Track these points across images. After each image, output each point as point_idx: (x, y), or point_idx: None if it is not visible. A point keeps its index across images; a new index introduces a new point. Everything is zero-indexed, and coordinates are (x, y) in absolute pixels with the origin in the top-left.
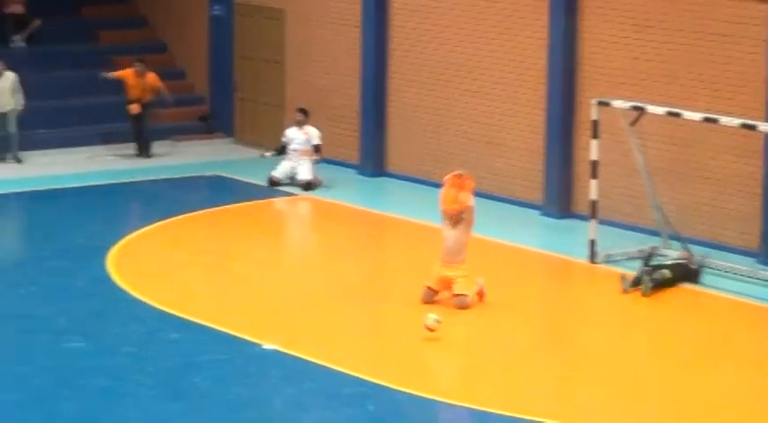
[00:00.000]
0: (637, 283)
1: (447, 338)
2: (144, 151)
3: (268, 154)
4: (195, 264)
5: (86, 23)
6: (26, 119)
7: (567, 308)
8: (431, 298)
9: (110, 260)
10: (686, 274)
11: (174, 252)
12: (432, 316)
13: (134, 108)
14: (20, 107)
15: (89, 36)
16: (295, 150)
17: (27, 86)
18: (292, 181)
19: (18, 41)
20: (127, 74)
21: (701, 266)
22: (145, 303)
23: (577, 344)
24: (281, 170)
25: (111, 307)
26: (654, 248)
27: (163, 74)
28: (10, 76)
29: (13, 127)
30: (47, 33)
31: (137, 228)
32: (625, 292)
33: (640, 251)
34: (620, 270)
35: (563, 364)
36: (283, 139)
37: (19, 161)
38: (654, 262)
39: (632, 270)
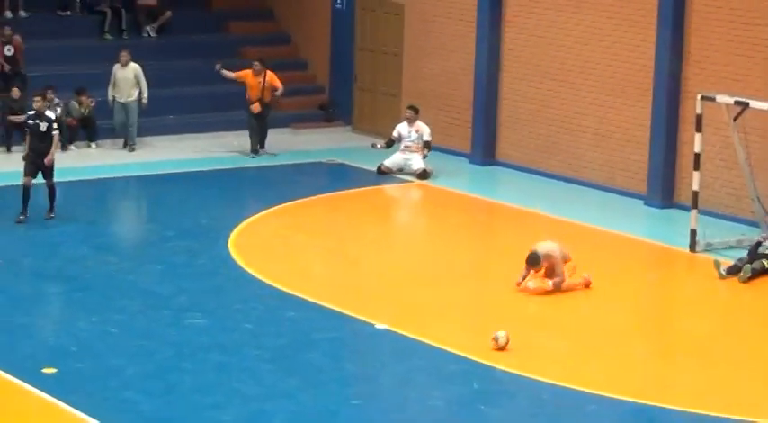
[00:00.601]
0: (735, 270)
1: (550, 321)
2: (260, 146)
3: (379, 145)
4: (312, 246)
5: (216, 15)
6: (152, 105)
7: (668, 294)
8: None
9: (231, 241)
10: None
11: (293, 234)
12: (501, 334)
13: (255, 107)
14: (143, 99)
15: (218, 27)
16: (407, 147)
17: (154, 76)
18: (402, 171)
19: (150, 32)
20: (245, 74)
21: None
22: (264, 282)
23: (677, 328)
24: (392, 161)
25: (231, 285)
26: (765, 238)
27: (286, 65)
28: (134, 67)
29: (133, 117)
30: (177, 24)
31: (257, 211)
32: (721, 278)
33: (739, 241)
34: (716, 258)
35: (662, 348)
36: (394, 135)
37: (132, 150)
38: (760, 251)
39: (730, 258)
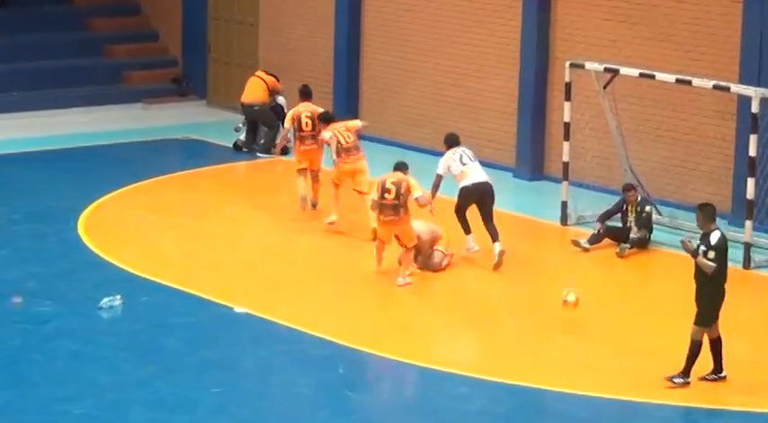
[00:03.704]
0: (595, 239)
1: (417, 301)
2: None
3: (241, 125)
4: (167, 226)
5: None
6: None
7: (538, 269)
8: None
9: (81, 223)
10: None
11: (146, 215)
12: (572, 298)
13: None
14: None
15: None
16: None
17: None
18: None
19: None
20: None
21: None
22: (116, 266)
23: (547, 304)
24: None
25: (82, 270)
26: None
27: (136, 36)
28: None
29: None
30: None
31: (108, 191)
32: (586, 250)
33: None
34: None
35: (533, 325)
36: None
37: None
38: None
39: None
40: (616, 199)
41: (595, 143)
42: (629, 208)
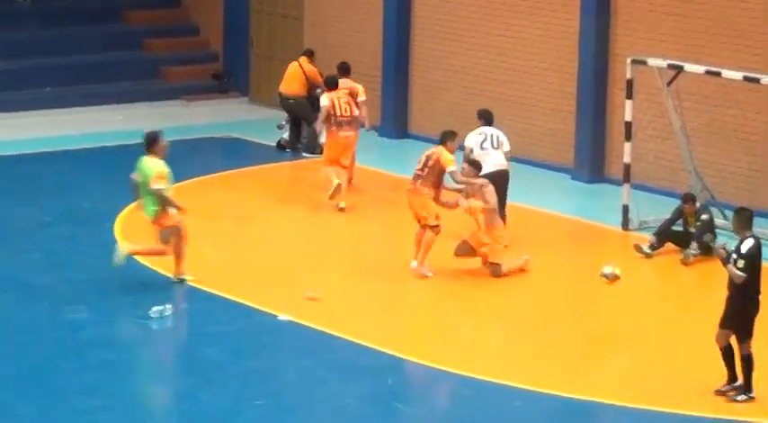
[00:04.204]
0: (658, 244)
1: (470, 309)
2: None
3: (284, 122)
4: (207, 230)
5: None
6: (27, 77)
7: (599, 277)
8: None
9: (118, 226)
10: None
11: (186, 216)
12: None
13: None
14: None
15: None
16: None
17: (28, 45)
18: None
19: None
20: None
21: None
22: (154, 271)
23: (608, 315)
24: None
25: (118, 275)
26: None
27: (175, 30)
28: None
29: None
30: None
31: None
32: (648, 256)
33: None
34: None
35: (592, 338)
36: None
37: None
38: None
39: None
40: (679, 202)
41: (658, 143)
42: (688, 219)
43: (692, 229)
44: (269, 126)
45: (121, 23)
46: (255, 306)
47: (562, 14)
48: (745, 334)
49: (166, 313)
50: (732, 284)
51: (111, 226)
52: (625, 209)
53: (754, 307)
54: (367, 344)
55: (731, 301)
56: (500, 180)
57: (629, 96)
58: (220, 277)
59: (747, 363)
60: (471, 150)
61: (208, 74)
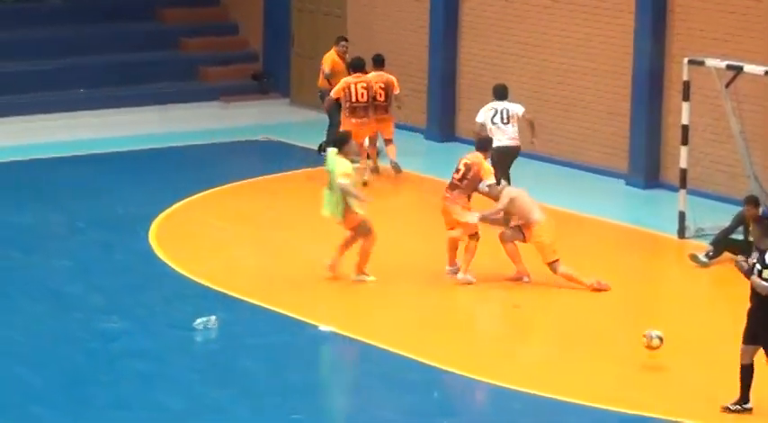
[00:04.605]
0: (717, 253)
1: (519, 321)
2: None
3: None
4: (245, 236)
5: None
6: (58, 78)
7: (654, 287)
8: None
9: (152, 232)
10: None
11: (223, 223)
12: (655, 333)
13: None
14: None
15: None
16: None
17: (59, 44)
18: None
19: None
20: (332, 58)
21: None
22: (190, 280)
23: (663, 327)
24: None
25: (152, 283)
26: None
27: (213, 28)
28: None
29: None
30: None
31: (182, 197)
32: (705, 266)
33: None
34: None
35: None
36: None
37: None
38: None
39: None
40: (738, 209)
41: (716, 148)
42: (750, 225)
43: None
44: (310, 128)
45: (157, 22)
46: (296, 316)
47: (617, 12)
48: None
49: (211, 325)
50: (756, 296)
51: (146, 233)
52: (681, 216)
53: None
54: (412, 356)
55: (755, 314)
56: (507, 156)
57: (686, 98)
58: (259, 286)
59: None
60: (482, 126)
61: (247, 74)
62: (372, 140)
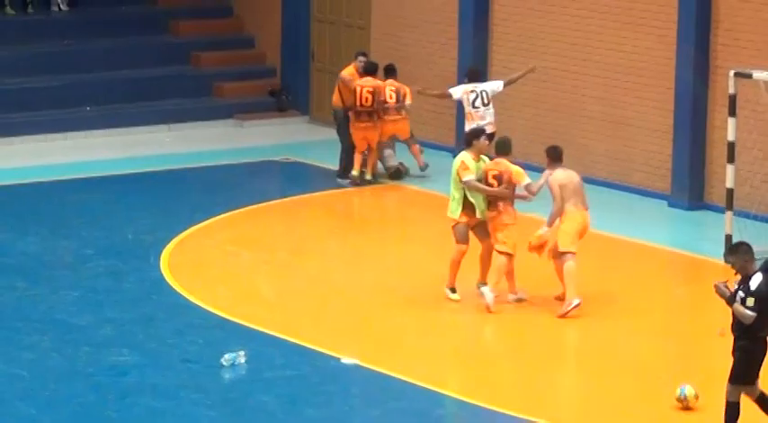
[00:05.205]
0: None
1: (559, 352)
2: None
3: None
4: (263, 263)
5: None
6: (65, 95)
7: (698, 316)
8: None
9: (164, 259)
10: None
11: (239, 250)
12: (688, 391)
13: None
14: None
15: None
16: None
17: (67, 58)
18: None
19: (60, 5)
20: (351, 75)
21: None
22: (204, 310)
23: (709, 360)
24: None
25: (164, 314)
26: None
27: (228, 42)
28: None
29: None
30: None
31: (196, 222)
32: None
33: None
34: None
35: (697, 385)
36: None
37: None
38: None
39: None
40: None
41: (765, 166)
42: None
43: None
44: (331, 147)
45: (169, 35)
46: (317, 348)
47: (659, 23)
48: (751, 377)
49: (239, 361)
50: (738, 326)
51: (158, 260)
52: (728, 239)
53: (762, 349)
54: (441, 390)
55: (739, 349)
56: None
57: (732, 113)
58: (277, 315)
59: (764, 402)
60: (457, 97)
61: (264, 90)
62: (380, 146)
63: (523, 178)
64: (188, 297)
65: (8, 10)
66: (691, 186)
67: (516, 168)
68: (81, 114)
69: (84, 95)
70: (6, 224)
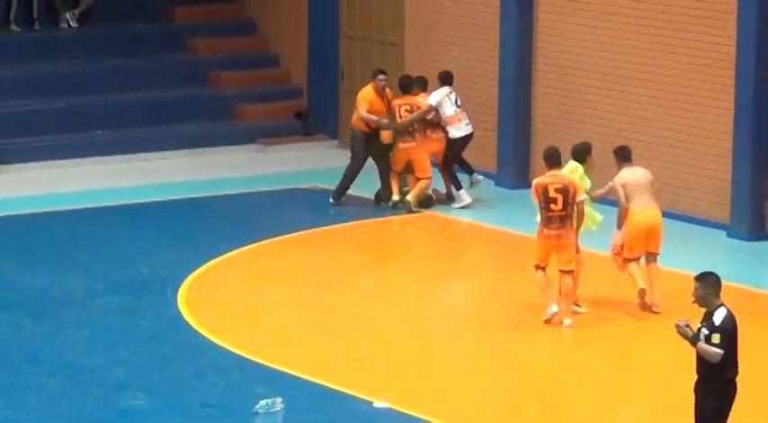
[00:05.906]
0: None
1: (605, 388)
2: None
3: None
4: (288, 299)
5: (161, 1)
6: (75, 118)
7: (763, 359)
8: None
9: (182, 295)
10: None
11: (263, 285)
12: None
13: (386, 136)
14: None
15: (160, 13)
16: None
17: (77, 78)
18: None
19: (70, 21)
20: (370, 96)
21: None
22: (225, 350)
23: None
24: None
25: (182, 354)
26: None
27: (251, 61)
28: None
29: None
30: (106, 10)
31: (216, 255)
32: None
33: None
34: None
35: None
36: None
37: None
38: None
39: None
40: None
41: None
42: None
43: None
44: (363, 174)
45: (187, 53)
46: (347, 391)
47: (716, 37)
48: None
49: (275, 408)
50: (704, 367)
51: (175, 296)
52: None
53: (730, 390)
54: None
55: (707, 392)
56: (466, 144)
57: None
58: (304, 356)
59: None
60: (436, 110)
61: (289, 112)
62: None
63: (582, 194)
64: (207, 336)
65: (13, 27)
66: (752, 216)
67: (578, 182)
68: (91, 139)
69: (94, 119)
70: (11, 257)
